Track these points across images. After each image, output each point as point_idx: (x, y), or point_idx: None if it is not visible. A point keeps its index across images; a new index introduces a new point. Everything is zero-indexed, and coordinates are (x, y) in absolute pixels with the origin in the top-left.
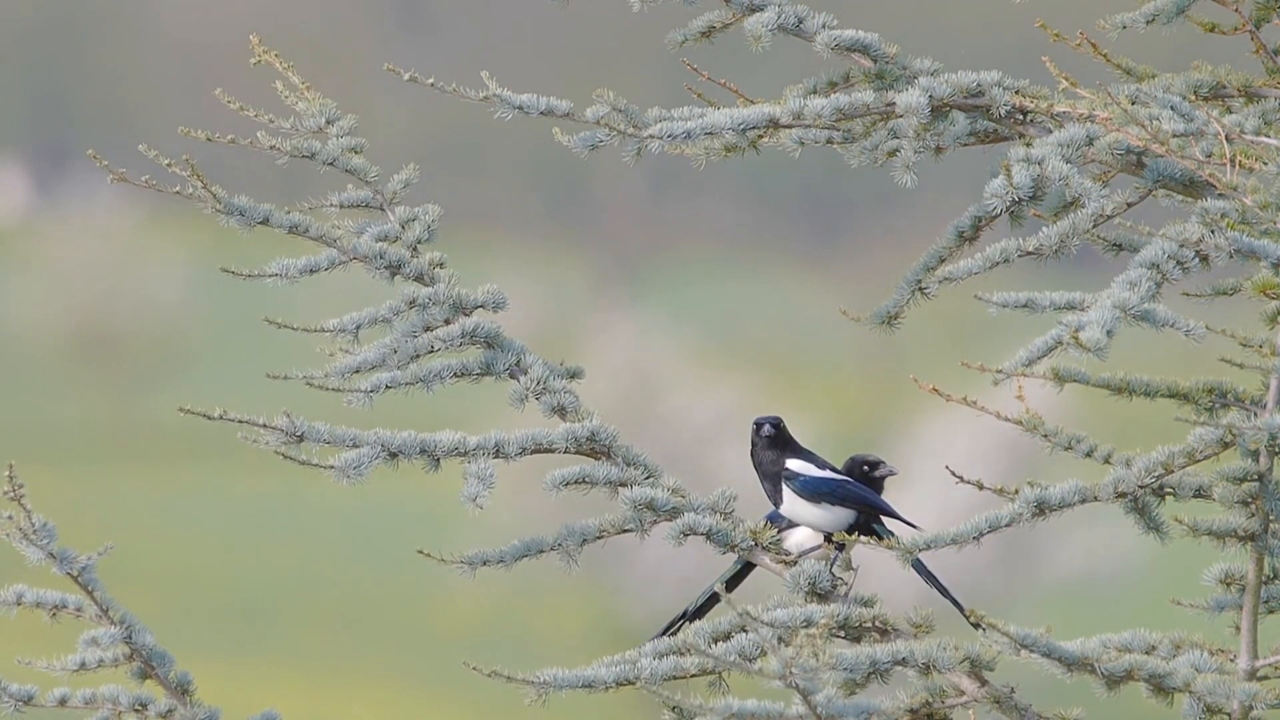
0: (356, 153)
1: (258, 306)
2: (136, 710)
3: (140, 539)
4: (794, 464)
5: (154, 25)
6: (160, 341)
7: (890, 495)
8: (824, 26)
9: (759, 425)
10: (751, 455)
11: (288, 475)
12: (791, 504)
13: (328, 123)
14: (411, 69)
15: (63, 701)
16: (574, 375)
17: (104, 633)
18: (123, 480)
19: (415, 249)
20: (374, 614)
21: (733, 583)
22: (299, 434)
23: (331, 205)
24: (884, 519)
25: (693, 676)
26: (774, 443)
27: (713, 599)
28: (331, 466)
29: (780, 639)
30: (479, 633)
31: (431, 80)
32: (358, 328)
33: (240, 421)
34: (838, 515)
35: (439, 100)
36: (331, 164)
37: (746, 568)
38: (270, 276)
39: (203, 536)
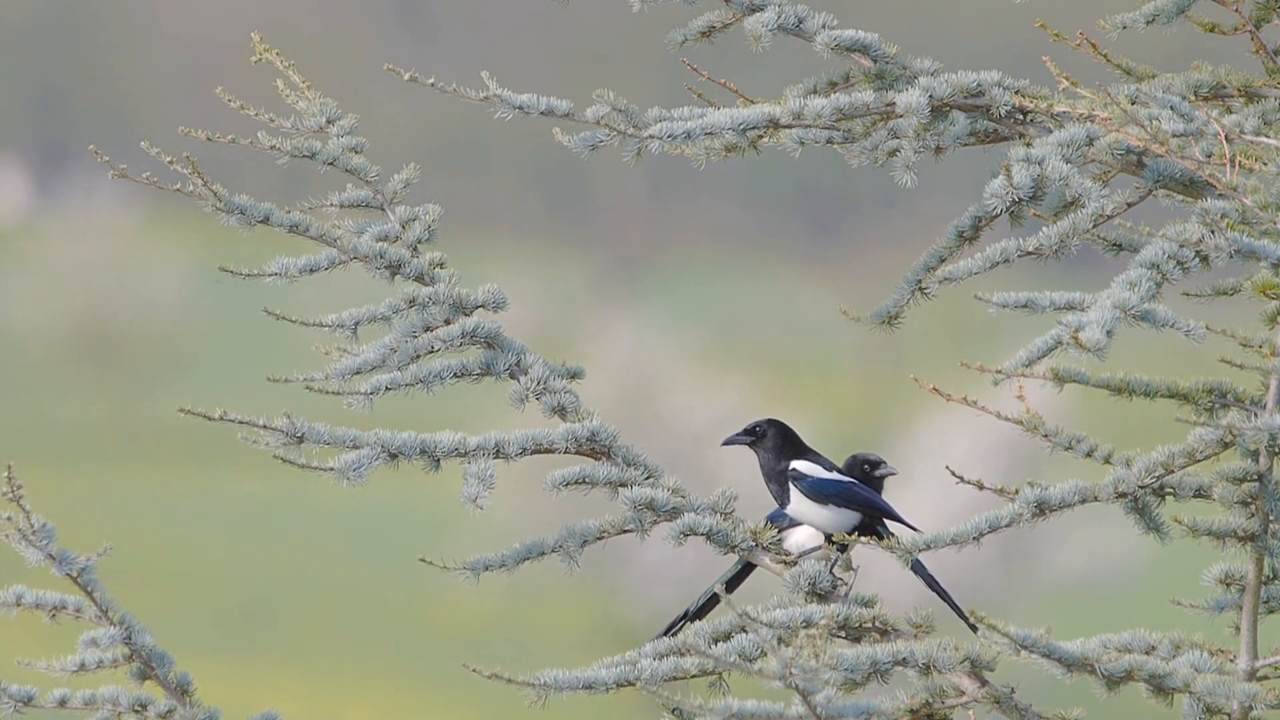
0: (357, 153)
1: (258, 307)
2: (136, 711)
3: (140, 539)
4: (801, 465)
5: (154, 25)
6: (160, 341)
7: (890, 495)
8: (824, 26)
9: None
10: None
11: (288, 476)
12: (798, 504)
13: (328, 122)
14: (412, 69)
15: (62, 702)
16: (574, 375)
17: (103, 633)
18: (123, 480)
19: (415, 249)
20: (374, 614)
21: (733, 583)
22: (299, 435)
23: (332, 205)
24: (887, 521)
25: (693, 677)
26: (766, 444)
27: (713, 599)
28: (331, 469)
29: (780, 639)
30: (479, 633)
31: (431, 81)
32: (356, 324)
33: (241, 423)
34: (843, 517)
35: (439, 100)
36: (332, 164)
37: (747, 568)
38: (270, 276)
39: (203, 536)
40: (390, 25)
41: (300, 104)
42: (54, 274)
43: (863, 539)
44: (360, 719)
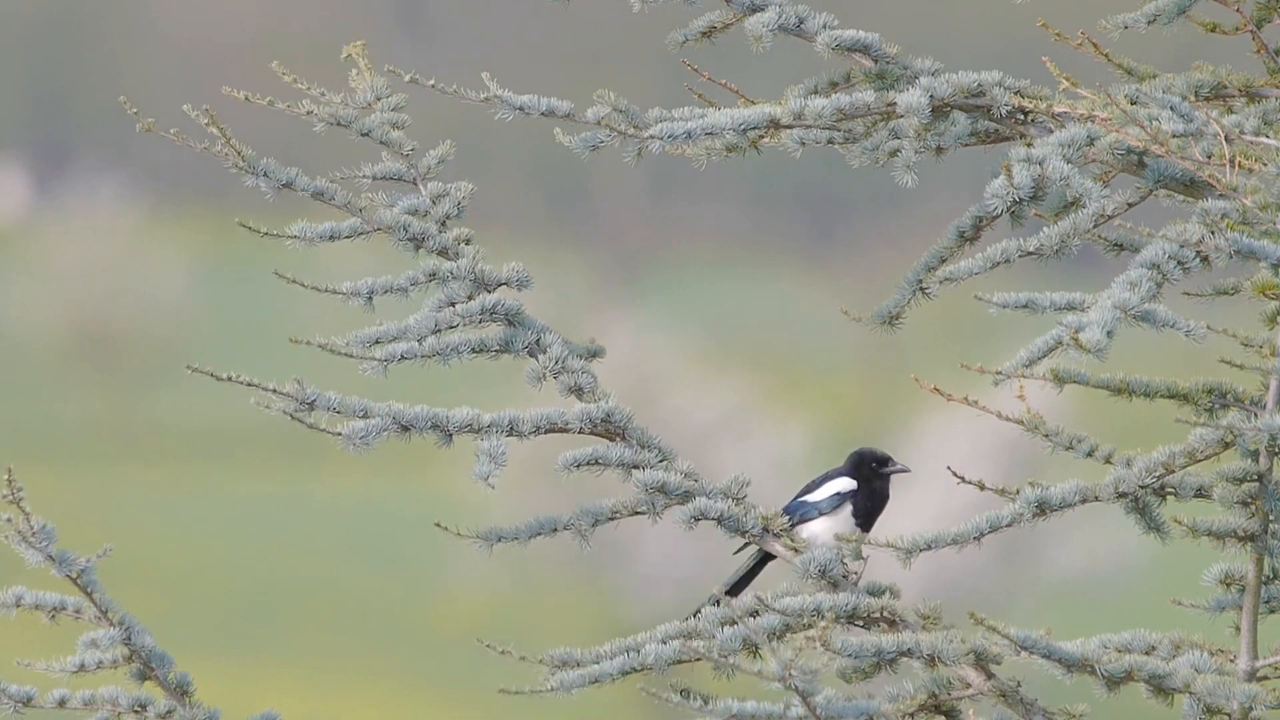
0: (397, 128)
1: (258, 308)
2: (136, 711)
3: (140, 539)
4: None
5: (154, 25)
6: (161, 341)
7: (891, 495)
8: (825, 27)
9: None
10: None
11: (288, 476)
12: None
13: (375, 99)
14: (412, 70)
15: (62, 703)
16: (594, 355)
17: (103, 634)
18: (123, 481)
19: (444, 224)
20: (374, 614)
21: (748, 577)
22: (309, 401)
23: (364, 177)
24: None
25: (698, 659)
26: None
27: (732, 590)
28: (339, 433)
29: (788, 627)
30: (479, 633)
31: (432, 81)
32: (371, 293)
33: (250, 385)
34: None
35: (439, 101)
36: (367, 134)
37: (760, 564)
38: (290, 239)
39: (203, 537)
40: (390, 25)
41: (351, 81)
42: (54, 274)
43: (867, 539)
44: (360, 719)
